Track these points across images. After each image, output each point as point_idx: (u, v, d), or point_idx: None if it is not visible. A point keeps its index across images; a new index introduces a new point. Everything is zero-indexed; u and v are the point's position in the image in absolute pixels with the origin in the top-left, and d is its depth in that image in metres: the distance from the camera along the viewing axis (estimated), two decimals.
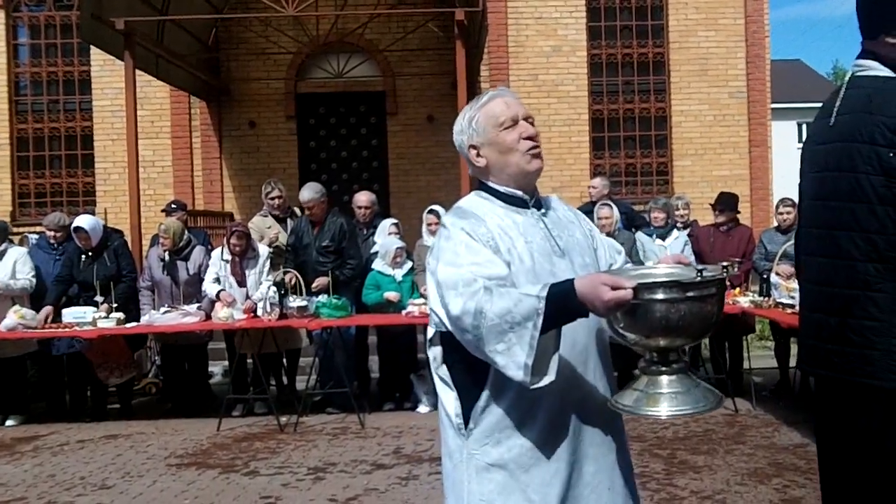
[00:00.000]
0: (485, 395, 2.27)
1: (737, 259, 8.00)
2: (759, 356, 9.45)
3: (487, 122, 2.42)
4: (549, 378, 2.12)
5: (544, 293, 2.06)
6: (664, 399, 2.11)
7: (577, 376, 2.32)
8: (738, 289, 8.09)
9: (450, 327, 2.24)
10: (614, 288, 1.99)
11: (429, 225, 8.47)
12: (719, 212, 8.67)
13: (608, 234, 8.37)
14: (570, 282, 2.07)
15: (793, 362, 8.42)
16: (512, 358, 2.08)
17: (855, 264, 2.52)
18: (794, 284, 7.41)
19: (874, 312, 2.48)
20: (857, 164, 2.51)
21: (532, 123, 2.44)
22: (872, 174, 2.47)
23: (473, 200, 2.46)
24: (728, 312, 7.48)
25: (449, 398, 2.37)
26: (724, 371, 8.23)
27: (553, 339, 2.12)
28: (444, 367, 2.37)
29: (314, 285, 7.99)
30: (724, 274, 2.10)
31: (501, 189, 2.44)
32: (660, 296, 2.02)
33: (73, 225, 8.25)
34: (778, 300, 7.42)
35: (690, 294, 2.02)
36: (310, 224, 8.33)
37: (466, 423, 2.31)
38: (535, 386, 2.10)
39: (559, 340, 2.14)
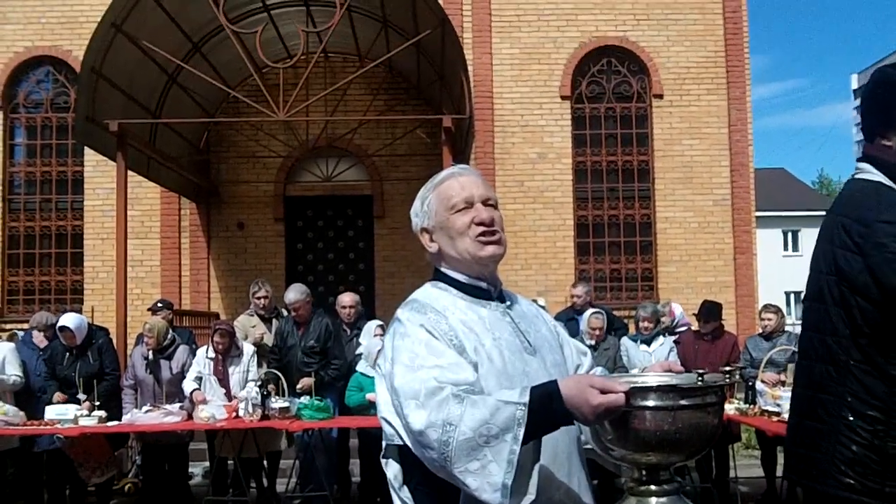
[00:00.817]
0: None
1: (738, 366, 7.98)
2: (746, 465, 9.35)
3: (439, 205, 2.19)
4: (528, 498, 1.82)
5: (525, 398, 1.80)
6: None
7: (561, 492, 2.03)
8: None
9: (408, 443, 1.93)
10: (604, 392, 1.77)
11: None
12: (704, 322, 8.65)
13: (598, 343, 8.38)
14: (554, 384, 1.83)
15: (779, 471, 8.34)
16: (487, 478, 1.78)
17: (813, 365, 2.53)
18: (780, 392, 7.41)
19: (822, 415, 2.47)
20: (821, 266, 2.55)
21: (493, 206, 2.19)
22: (829, 275, 2.50)
23: (430, 292, 2.18)
24: None
25: None
26: (710, 480, 8.13)
27: (532, 451, 1.84)
28: (406, 489, 2.02)
29: (299, 386, 7.94)
30: (727, 381, 1.91)
31: (461, 278, 2.17)
32: (655, 402, 1.81)
33: (59, 324, 8.23)
34: (763, 408, 7.38)
35: (689, 402, 1.81)
36: (295, 325, 8.33)
37: None
38: None
39: (539, 452, 1.86)
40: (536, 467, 1.84)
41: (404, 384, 1.93)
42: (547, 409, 1.80)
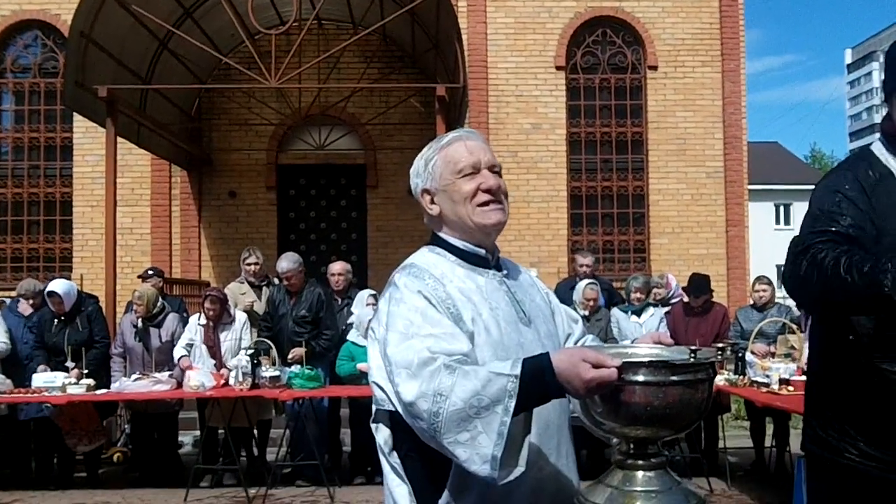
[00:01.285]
0: (445, 497, 1.93)
1: (730, 342, 7.97)
2: (735, 436, 9.40)
3: (445, 167, 2.13)
4: (518, 470, 1.79)
5: (517, 370, 1.77)
6: (640, 498, 1.84)
7: (550, 464, 2.02)
8: None
9: (399, 410, 1.90)
10: (597, 366, 1.73)
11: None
12: (694, 296, 8.62)
13: (591, 313, 8.37)
14: (546, 357, 1.79)
15: (768, 441, 8.38)
16: (476, 450, 1.76)
17: None
18: (770, 363, 7.42)
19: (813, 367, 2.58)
20: None
21: (498, 173, 2.14)
22: None
23: (428, 257, 2.14)
24: None
25: (402, 492, 2.00)
26: (700, 450, 8.16)
27: (522, 423, 1.81)
28: (395, 454, 2.01)
29: (290, 356, 7.93)
30: (719, 357, 1.87)
31: (459, 244, 2.13)
32: (648, 378, 1.78)
33: (47, 289, 8.18)
34: (753, 379, 7.39)
35: (680, 378, 1.79)
36: (287, 294, 8.30)
37: None
38: (504, 481, 1.79)
39: (530, 424, 1.84)
40: (527, 440, 1.82)
41: (397, 353, 1.90)
42: (539, 381, 1.76)
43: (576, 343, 2.30)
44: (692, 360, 1.79)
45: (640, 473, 1.87)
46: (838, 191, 2.34)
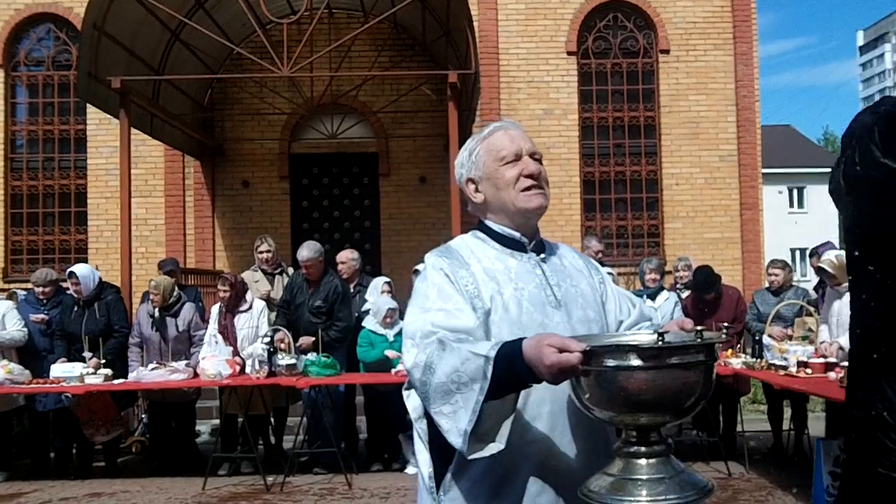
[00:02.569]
0: (456, 458, 2.03)
1: (725, 324, 7.94)
2: (753, 419, 9.38)
3: (488, 156, 2.23)
4: (495, 446, 1.87)
5: (493, 353, 1.83)
6: (643, 487, 1.80)
7: (557, 444, 2.05)
8: (730, 350, 8.04)
9: None
10: (562, 351, 1.74)
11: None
12: (705, 293, 8.50)
13: None
14: (520, 341, 1.83)
15: (786, 425, 8.36)
16: (456, 423, 1.86)
17: None
18: (787, 346, 7.40)
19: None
20: None
21: (539, 160, 2.24)
22: None
23: (466, 240, 2.26)
24: (721, 374, 7.44)
25: (424, 457, 2.15)
26: (718, 434, 8.15)
27: (506, 403, 1.88)
28: (424, 420, 2.12)
29: (298, 344, 7.92)
30: (696, 340, 1.79)
31: (497, 228, 2.23)
32: (611, 363, 1.74)
33: (68, 271, 8.25)
34: (770, 361, 7.37)
35: (649, 363, 1.73)
36: (305, 282, 8.30)
37: (438, 486, 2.09)
38: (474, 456, 1.87)
39: (514, 406, 1.90)
40: (509, 420, 1.89)
41: (409, 323, 2.06)
42: (510, 364, 1.81)
43: (628, 329, 2.31)
44: (659, 344, 1.73)
45: (642, 461, 1.84)
46: None
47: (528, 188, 2.18)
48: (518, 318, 2.08)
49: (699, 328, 1.83)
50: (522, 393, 1.93)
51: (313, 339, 7.82)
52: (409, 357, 1.99)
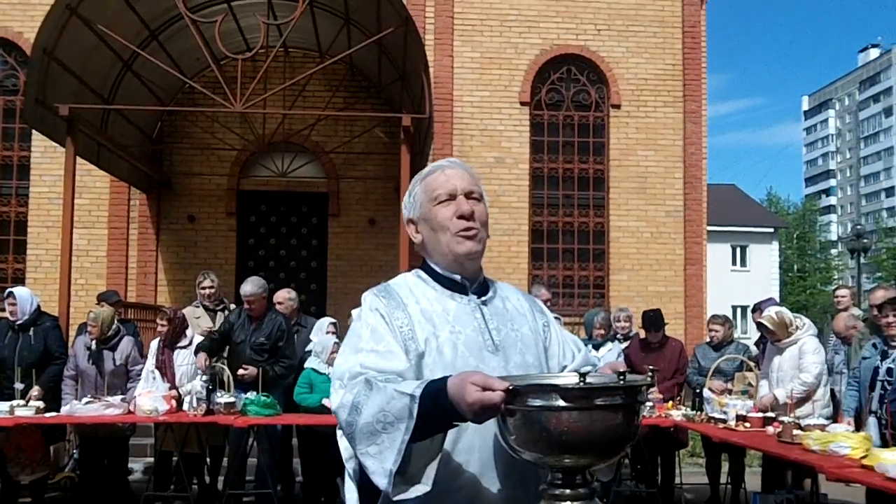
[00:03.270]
0: (381, 500, 1.99)
1: (650, 367, 7.96)
2: (691, 472, 9.41)
3: (424, 196, 2.20)
4: (421, 488, 1.84)
5: (419, 391, 1.81)
6: None
7: (487, 488, 2.02)
8: (671, 402, 8.08)
9: None
10: (485, 389, 1.73)
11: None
12: (653, 332, 8.59)
13: None
14: (445, 379, 1.81)
15: (724, 478, 8.40)
16: (382, 463, 1.83)
17: None
18: (727, 399, 7.46)
19: None
20: None
21: (478, 199, 2.19)
22: None
23: (408, 279, 2.22)
24: (661, 426, 7.48)
25: (353, 497, 2.11)
26: (656, 485, 8.15)
27: (433, 444, 1.85)
28: (354, 460, 2.04)
29: (240, 373, 7.73)
30: (620, 382, 1.77)
31: (438, 269, 2.19)
32: (534, 402, 1.72)
33: (7, 290, 8.03)
34: (710, 415, 7.42)
35: (571, 403, 1.71)
36: (248, 318, 8.14)
37: None
38: (400, 497, 1.84)
39: (441, 445, 1.87)
40: (436, 461, 1.85)
41: (340, 364, 2.03)
42: (436, 403, 1.79)
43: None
44: (581, 384, 1.73)
45: None
46: None
47: (462, 230, 2.13)
48: (452, 361, 2.04)
49: (625, 370, 1.82)
50: (452, 437, 1.92)
51: (257, 370, 7.66)
52: (336, 398, 1.96)
